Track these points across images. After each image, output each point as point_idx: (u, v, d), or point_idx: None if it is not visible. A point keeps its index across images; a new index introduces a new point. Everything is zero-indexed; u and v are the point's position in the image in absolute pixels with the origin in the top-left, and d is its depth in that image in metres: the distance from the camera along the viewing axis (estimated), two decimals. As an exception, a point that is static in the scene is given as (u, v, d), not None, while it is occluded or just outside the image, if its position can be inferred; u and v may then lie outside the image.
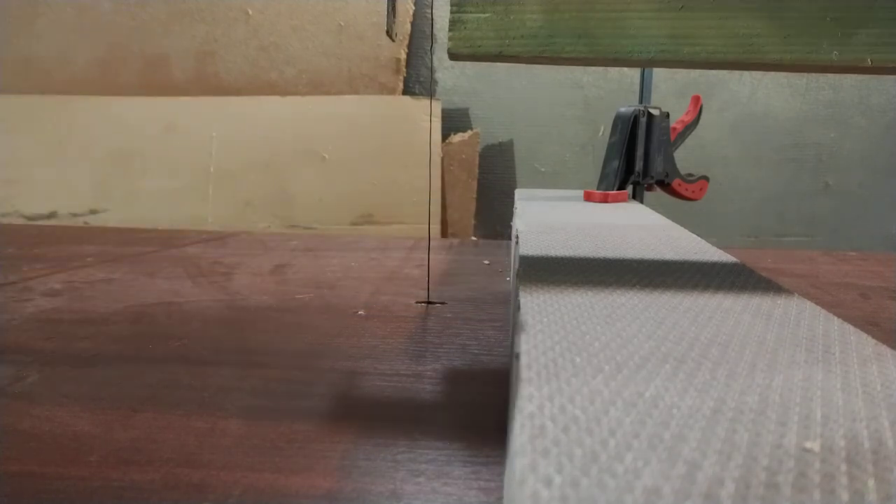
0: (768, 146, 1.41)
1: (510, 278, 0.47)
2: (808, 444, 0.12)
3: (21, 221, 1.24)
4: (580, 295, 0.24)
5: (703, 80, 1.38)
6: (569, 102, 1.40)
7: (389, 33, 0.31)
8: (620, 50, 0.26)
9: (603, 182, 0.69)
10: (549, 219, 0.49)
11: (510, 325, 0.34)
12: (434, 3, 1.31)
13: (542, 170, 1.42)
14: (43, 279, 0.51)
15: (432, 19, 1.34)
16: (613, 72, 1.39)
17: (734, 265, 0.31)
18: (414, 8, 1.34)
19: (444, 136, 1.34)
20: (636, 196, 0.72)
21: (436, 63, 1.39)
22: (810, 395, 0.15)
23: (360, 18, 1.32)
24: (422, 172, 1.27)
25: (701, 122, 0.76)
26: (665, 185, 0.72)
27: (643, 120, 0.69)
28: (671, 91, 1.38)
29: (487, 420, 0.26)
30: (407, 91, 1.37)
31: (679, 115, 0.75)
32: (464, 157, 1.33)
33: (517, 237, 0.41)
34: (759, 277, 0.28)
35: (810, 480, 0.11)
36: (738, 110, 1.40)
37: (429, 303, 0.43)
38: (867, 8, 0.24)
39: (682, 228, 0.45)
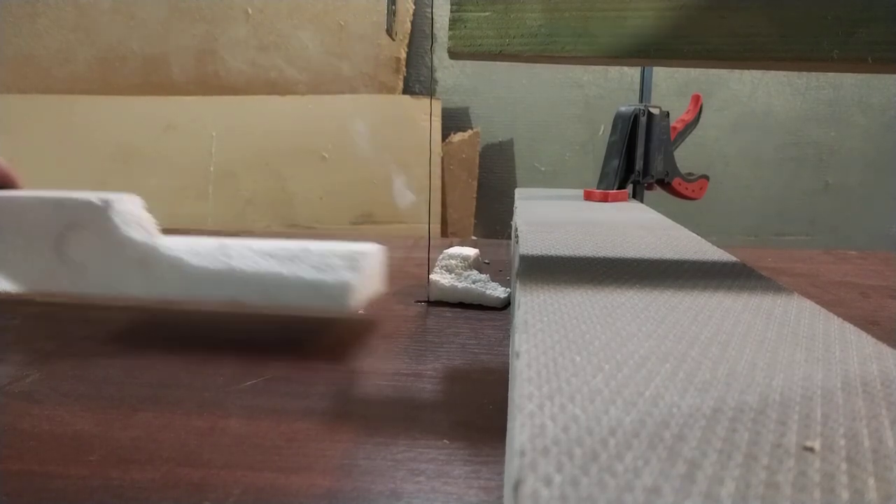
0: (768, 145, 1.41)
1: (510, 277, 0.47)
2: (808, 444, 0.12)
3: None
4: (580, 294, 0.24)
5: (703, 79, 1.38)
6: (569, 101, 1.40)
7: (389, 32, 0.31)
8: (620, 49, 0.26)
9: (603, 181, 0.69)
10: (549, 218, 0.49)
11: (510, 324, 0.34)
12: (434, 1, 1.31)
13: (542, 169, 1.42)
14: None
15: (432, 18, 1.34)
16: (613, 71, 1.39)
17: (734, 264, 0.31)
18: (414, 7, 1.34)
19: (444, 136, 1.34)
20: (636, 195, 0.72)
21: (436, 62, 1.39)
22: (810, 394, 0.15)
23: (361, 17, 1.32)
24: (422, 172, 1.27)
25: (701, 121, 0.76)
26: (665, 185, 0.72)
27: (643, 119, 0.69)
28: (671, 90, 1.38)
29: (487, 419, 0.26)
30: (407, 90, 1.37)
31: (679, 114, 0.75)
32: (464, 156, 1.33)
33: (517, 236, 0.41)
34: (759, 276, 0.28)
35: (810, 480, 0.11)
36: (738, 109, 1.39)
37: (429, 302, 0.43)
38: (867, 7, 0.24)
39: (682, 228, 0.45)
